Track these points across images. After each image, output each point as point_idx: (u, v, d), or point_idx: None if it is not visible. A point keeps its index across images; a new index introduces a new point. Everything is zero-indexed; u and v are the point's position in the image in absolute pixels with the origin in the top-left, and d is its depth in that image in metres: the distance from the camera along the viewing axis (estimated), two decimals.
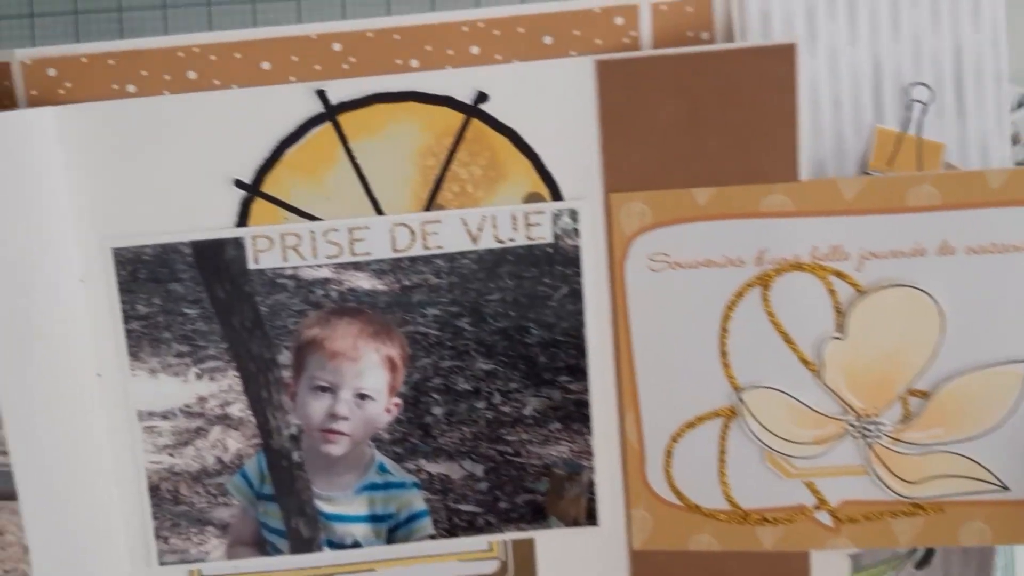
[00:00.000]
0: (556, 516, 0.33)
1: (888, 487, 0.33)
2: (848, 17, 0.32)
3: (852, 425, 0.33)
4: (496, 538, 0.34)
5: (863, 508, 0.33)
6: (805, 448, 0.33)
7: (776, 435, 0.33)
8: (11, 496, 0.32)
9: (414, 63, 0.31)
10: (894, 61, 0.32)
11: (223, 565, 0.33)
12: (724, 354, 0.32)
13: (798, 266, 0.32)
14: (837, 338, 0.32)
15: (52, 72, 0.30)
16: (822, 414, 0.33)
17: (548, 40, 0.31)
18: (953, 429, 0.32)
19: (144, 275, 0.31)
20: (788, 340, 0.32)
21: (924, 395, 0.32)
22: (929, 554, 0.35)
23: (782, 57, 0.30)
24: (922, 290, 0.31)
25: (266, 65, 0.30)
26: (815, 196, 0.31)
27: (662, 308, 0.32)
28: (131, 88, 0.30)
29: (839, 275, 0.32)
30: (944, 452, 0.32)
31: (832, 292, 0.32)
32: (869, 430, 0.32)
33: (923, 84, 0.32)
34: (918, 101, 0.33)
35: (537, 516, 0.33)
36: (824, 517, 0.33)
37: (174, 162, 0.31)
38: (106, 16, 0.31)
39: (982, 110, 0.32)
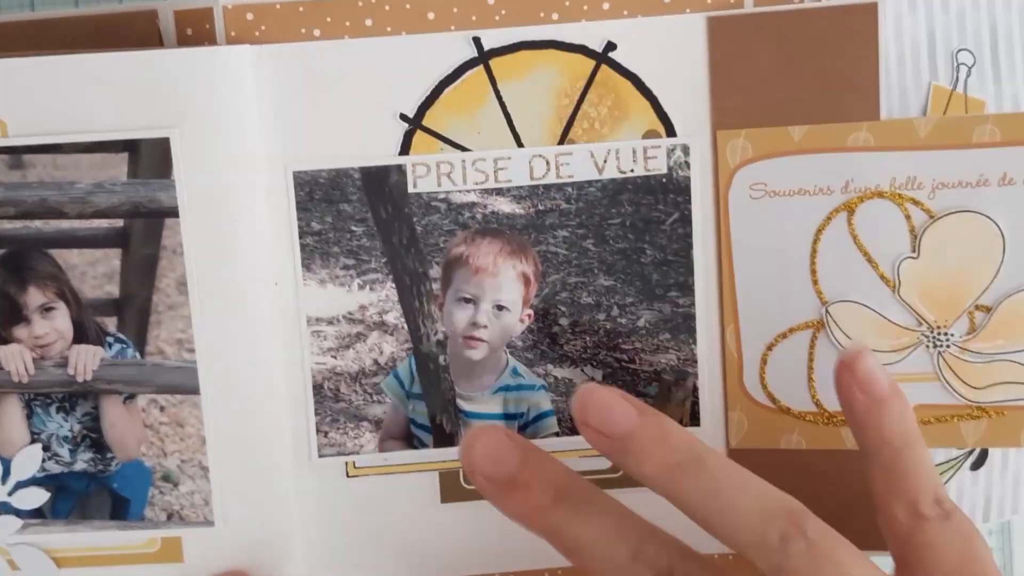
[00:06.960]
0: None
1: (956, 392, 0.38)
2: None
3: (925, 336, 0.37)
4: None
5: (934, 411, 0.38)
6: (883, 356, 0.38)
7: None
8: (193, 391, 0.36)
9: (555, 16, 0.36)
10: (944, 29, 0.38)
11: (375, 457, 0.38)
12: (814, 272, 0.37)
13: (879, 194, 0.37)
14: (912, 258, 0.37)
15: (250, 16, 0.35)
16: (899, 326, 0.37)
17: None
18: (1013, 340, 0.37)
19: (319, 196, 0.36)
20: (869, 260, 0.37)
21: (988, 309, 0.37)
22: (983, 456, 0.39)
23: (866, 13, 0.36)
24: (986, 215, 0.36)
25: (431, 15, 0.35)
26: (894, 133, 0.36)
27: (760, 232, 0.37)
28: (316, 32, 0.35)
29: (914, 202, 0.37)
30: (1005, 360, 0.37)
31: (908, 217, 0.37)
32: (940, 340, 0.37)
33: (967, 50, 0.38)
34: (964, 64, 0.38)
35: None
36: None
37: (349, 98, 0.36)
38: None
39: (1013, 74, 0.38)
